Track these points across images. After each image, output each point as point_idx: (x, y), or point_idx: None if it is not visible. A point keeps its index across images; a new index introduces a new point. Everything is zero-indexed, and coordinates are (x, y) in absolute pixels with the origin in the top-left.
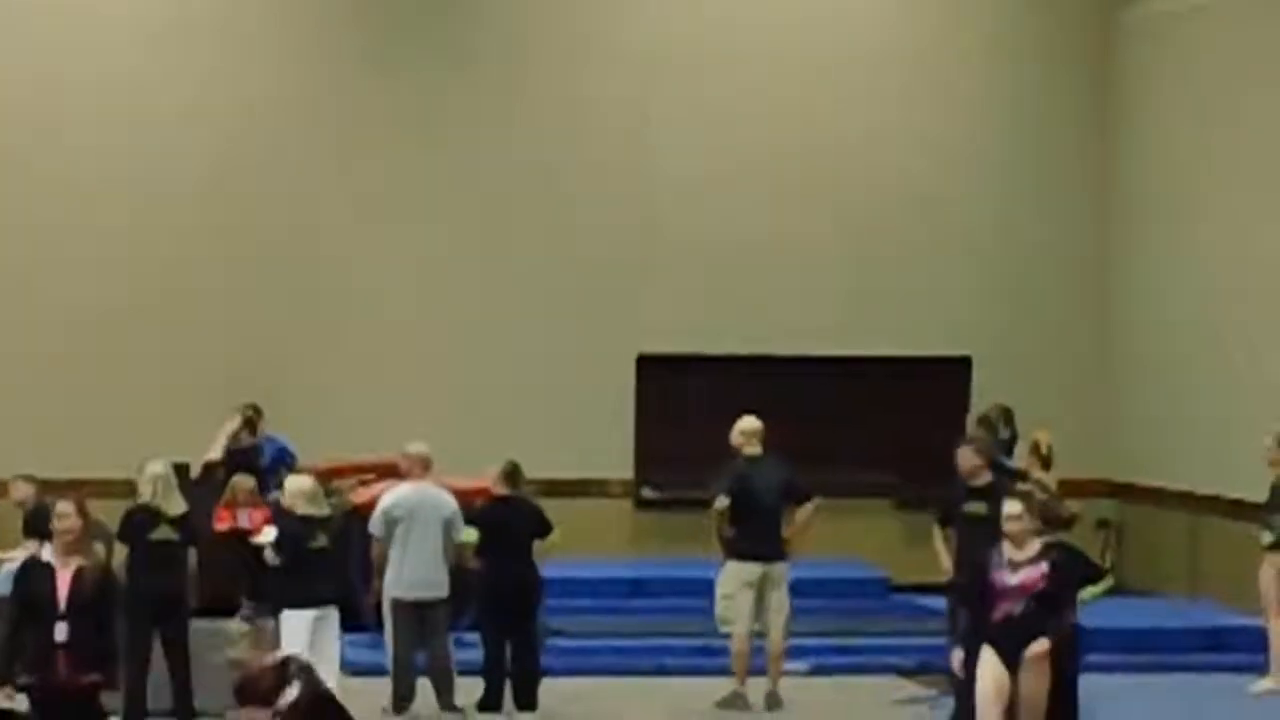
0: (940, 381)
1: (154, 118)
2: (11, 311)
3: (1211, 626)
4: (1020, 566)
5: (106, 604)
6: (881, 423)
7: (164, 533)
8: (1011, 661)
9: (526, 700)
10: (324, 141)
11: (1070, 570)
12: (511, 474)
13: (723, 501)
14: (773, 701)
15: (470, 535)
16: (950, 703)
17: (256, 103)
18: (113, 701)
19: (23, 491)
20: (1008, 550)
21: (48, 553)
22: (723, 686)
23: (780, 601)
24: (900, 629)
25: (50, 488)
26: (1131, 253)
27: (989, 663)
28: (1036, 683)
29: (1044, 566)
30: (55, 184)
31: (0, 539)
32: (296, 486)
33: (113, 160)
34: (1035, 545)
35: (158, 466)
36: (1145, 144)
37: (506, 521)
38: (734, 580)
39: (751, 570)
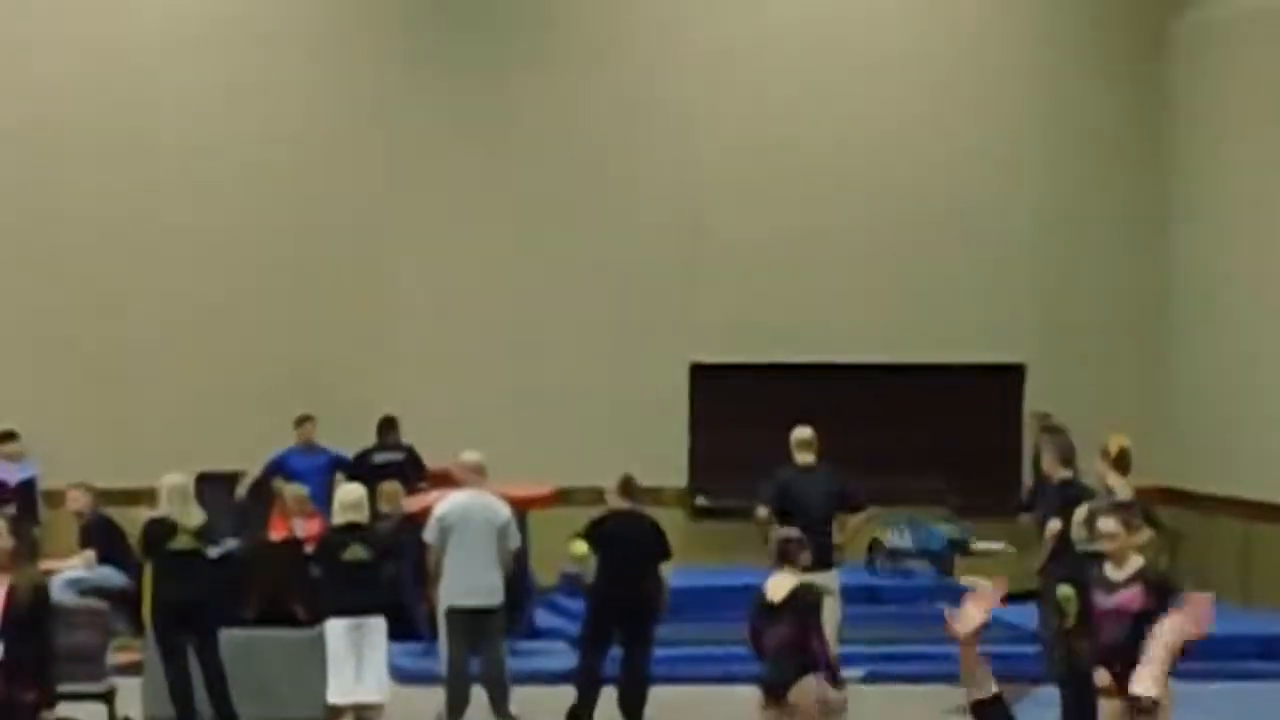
0: (994, 388)
1: (211, 121)
2: (64, 325)
3: (1264, 634)
4: (1117, 587)
5: (42, 620)
6: (936, 430)
7: (182, 543)
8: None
9: (631, 715)
10: (380, 145)
11: (1168, 587)
12: (627, 487)
13: (762, 511)
14: None
15: (580, 548)
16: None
17: (316, 107)
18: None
19: (79, 501)
20: (1107, 570)
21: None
22: None
23: (830, 609)
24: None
25: (106, 497)
26: (1185, 258)
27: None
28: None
29: (1139, 586)
30: (97, 202)
31: (56, 549)
32: (338, 496)
33: (172, 167)
34: (1134, 564)
35: (174, 479)
36: (1200, 148)
37: (622, 534)
38: None
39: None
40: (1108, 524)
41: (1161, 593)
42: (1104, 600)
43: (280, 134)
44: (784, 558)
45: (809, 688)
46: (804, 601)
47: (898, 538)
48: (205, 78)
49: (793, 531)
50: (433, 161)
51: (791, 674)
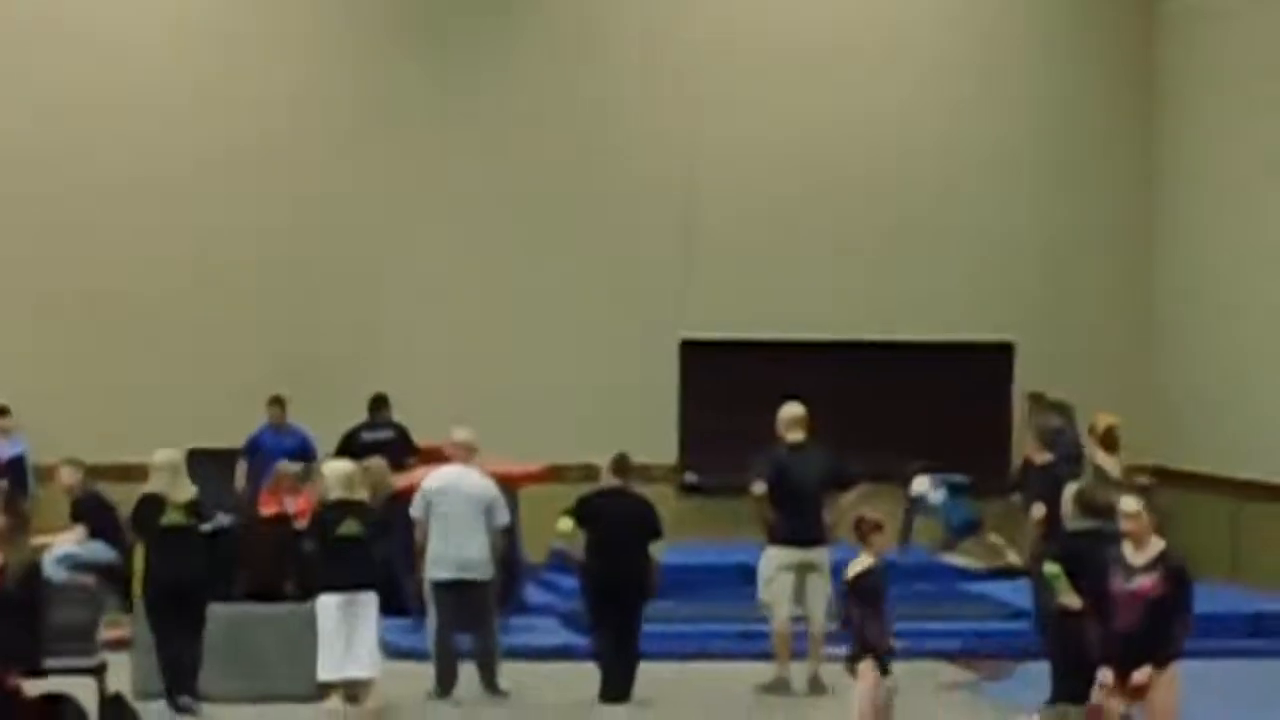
0: (983, 366)
1: (194, 113)
2: (57, 300)
3: (1253, 611)
4: (1137, 572)
5: (31, 599)
6: (925, 408)
7: (173, 518)
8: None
9: (619, 692)
10: (369, 135)
11: (1185, 575)
12: (620, 465)
13: (760, 488)
14: (815, 686)
15: (565, 525)
16: (993, 687)
17: (302, 97)
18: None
19: (70, 477)
20: (1127, 552)
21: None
22: (765, 671)
23: (820, 586)
24: (944, 614)
25: (97, 473)
26: (1174, 240)
27: (1107, 690)
28: (1164, 702)
29: (1159, 572)
30: (95, 180)
31: (47, 524)
32: (331, 471)
33: (153, 153)
34: (1155, 547)
35: (165, 455)
36: (1190, 130)
37: (611, 512)
38: (772, 564)
39: (790, 555)
40: (1130, 503)
41: (1179, 580)
42: (1122, 585)
43: (279, 130)
44: (859, 539)
45: (865, 670)
46: (864, 584)
47: (931, 492)
48: (203, 77)
49: (867, 511)
50: (420, 149)
51: (856, 653)
